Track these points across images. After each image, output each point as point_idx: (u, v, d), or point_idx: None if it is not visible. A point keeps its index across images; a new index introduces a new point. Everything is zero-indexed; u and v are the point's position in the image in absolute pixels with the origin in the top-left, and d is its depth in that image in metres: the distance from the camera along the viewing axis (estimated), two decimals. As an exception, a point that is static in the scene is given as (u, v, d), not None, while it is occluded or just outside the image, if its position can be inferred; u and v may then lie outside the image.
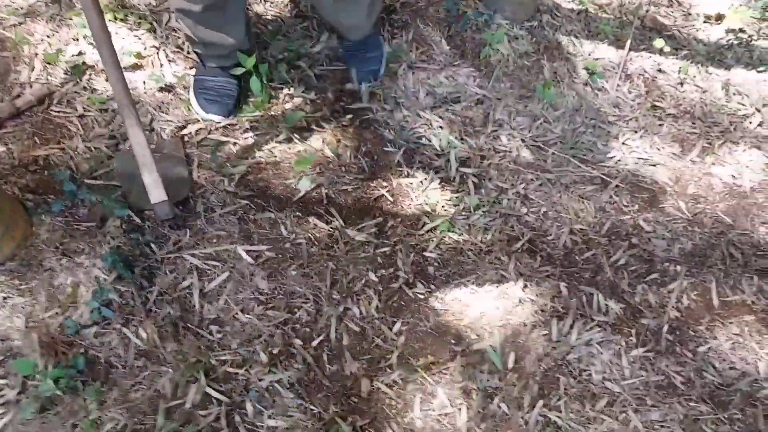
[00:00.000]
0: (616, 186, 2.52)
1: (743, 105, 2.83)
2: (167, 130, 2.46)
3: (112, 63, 2.01)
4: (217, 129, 2.50)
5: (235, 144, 2.47)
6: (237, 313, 2.14)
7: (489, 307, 2.22)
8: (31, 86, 2.48)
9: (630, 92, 2.82)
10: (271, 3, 2.88)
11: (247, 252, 2.24)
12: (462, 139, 2.58)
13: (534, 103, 2.72)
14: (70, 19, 2.67)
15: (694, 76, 2.90)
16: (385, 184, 2.46)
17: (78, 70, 2.53)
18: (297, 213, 2.35)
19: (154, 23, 2.72)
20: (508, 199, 2.46)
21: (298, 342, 2.11)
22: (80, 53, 2.59)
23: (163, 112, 2.51)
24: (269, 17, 2.83)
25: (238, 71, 2.49)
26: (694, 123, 2.74)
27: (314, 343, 2.12)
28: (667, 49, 2.91)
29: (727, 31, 3.09)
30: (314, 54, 2.74)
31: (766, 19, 3.12)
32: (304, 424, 1.96)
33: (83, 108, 2.46)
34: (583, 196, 2.49)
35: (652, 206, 2.50)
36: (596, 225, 2.43)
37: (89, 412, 1.92)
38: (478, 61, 2.83)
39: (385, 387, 2.05)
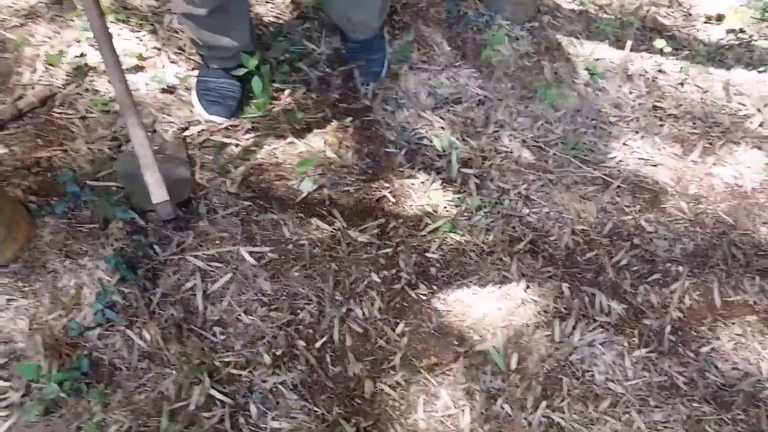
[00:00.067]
0: (618, 186, 2.53)
1: (744, 105, 2.83)
2: (169, 131, 2.46)
3: (113, 63, 2.01)
4: (219, 130, 2.50)
5: (237, 145, 2.47)
6: (240, 315, 2.14)
7: (491, 308, 2.23)
8: (33, 88, 2.48)
9: (631, 93, 2.82)
10: (273, 4, 2.89)
11: (250, 253, 2.25)
12: (463, 139, 2.58)
13: (535, 104, 2.72)
14: (72, 20, 2.67)
15: (695, 77, 2.90)
16: (386, 185, 2.46)
17: (80, 71, 2.54)
18: (299, 214, 2.35)
19: (156, 25, 2.72)
20: (510, 200, 2.46)
21: (301, 343, 2.11)
22: (82, 54, 2.59)
23: (165, 113, 2.51)
24: (271, 18, 2.83)
25: (240, 72, 2.49)
26: (694, 123, 2.75)
27: (317, 345, 2.12)
28: (668, 49, 2.92)
29: (728, 32, 3.10)
30: (316, 55, 2.74)
31: (767, 19, 3.13)
32: (308, 426, 1.97)
33: (85, 109, 2.46)
34: (585, 197, 2.50)
35: (653, 207, 2.50)
36: (598, 225, 2.44)
37: (93, 415, 1.92)
38: (479, 62, 2.83)
39: (389, 388, 2.06)
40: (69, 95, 2.49)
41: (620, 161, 2.61)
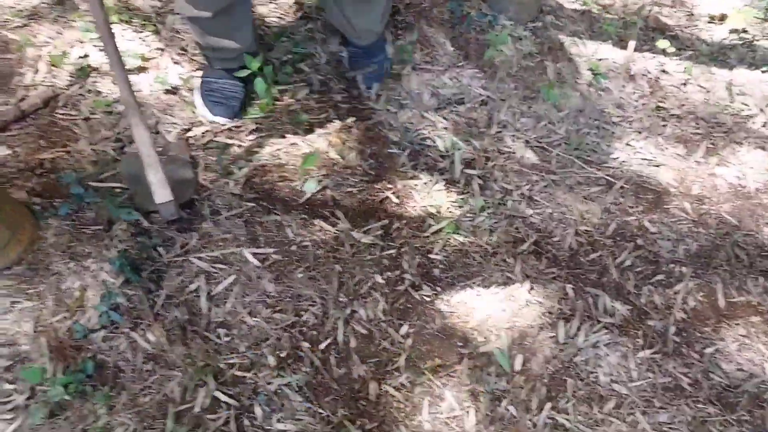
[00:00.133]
0: (621, 187, 2.53)
1: (746, 105, 2.83)
2: (172, 132, 2.46)
3: (117, 62, 2.01)
4: (222, 131, 2.50)
5: (240, 146, 2.47)
6: (244, 317, 2.14)
7: (495, 309, 2.23)
8: (36, 89, 2.48)
9: (634, 93, 2.82)
10: (276, 4, 2.88)
11: (254, 255, 2.24)
12: (466, 140, 2.58)
13: (538, 104, 2.72)
14: (74, 21, 2.67)
15: (698, 77, 2.90)
16: (390, 185, 2.46)
17: (83, 72, 2.53)
18: (303, 215, 2.35)
19: (159, 25, 2.72)
20: (513, 201, 2.46)
21: (305, 345, 2.11)
22: (85, 55, 2.59)
23: (168, 114, 2.51)
24: (273, 19, 2.83)
25: (244, 73, 2.49)
26: (697, 124, 2.75)
27: (322, 346, 2.12)
28: (671, 49, 2.92)
29: (731, 32, 3.10)
30: (319, 55, 2.74)
31: (769, 19, 3.13)
32: (313, 428, 1.96)
33: (89, 110, 2.45)
34: (588, 198, 2.50)
35: (656, 207, 2.50)
36: (601, 226, 2.44)
37: (98, 417, 1.92)
38: (482, 62, 2.83)
39: (393, 390, 2.06)
40: (72, 96, 2.48)
41: (623, 162, 2.61)
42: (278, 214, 2.33)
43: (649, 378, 2.13)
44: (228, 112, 2.51)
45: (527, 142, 2.61)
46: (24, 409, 1.91)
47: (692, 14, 3.17)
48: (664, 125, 2.73)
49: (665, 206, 2.50)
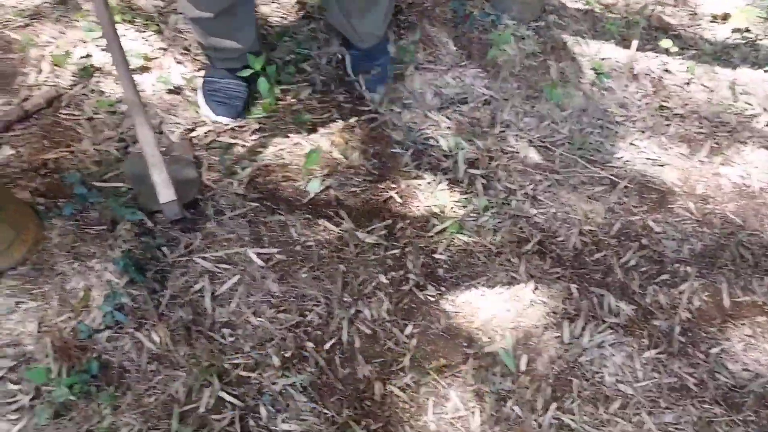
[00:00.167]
0: (625, 187, 2.52)
1: (750, 104, 2.83)
2: (176, 132, 2.45)
3: (122, 61, 2.01)
4: (225, 131, 2.49)
5: (243, 146, 2.46)
6: (249, 317, 2.13)
7: (500, 309, 2.22)
8: (39, 89, 2.48)
9: (637, 92, 2.82)
10: (279, 4, 2.88)
11: (258, 255, 2.24)
12: (470, 140, 2.58)
13: (541, 104, 2.72)
14: (77, 20, 2.67)
15: (701, 76, 2.90)
16: (393, 185, 2.46)
17: (86, 72, 2.53)
18: (307, 215, 2.34)
19: (162, 25, 2.71)
20: (517, 201, 2.45)
21: (310, 345, 2.10)
22: (87, 55, 2.59)
23: (171, 114, 2.50)
24: (276, 18, 2.83)
25: (247, 73, 2.48)
26: (701, 123, 2.74)
27: (326, 346, 2.11)
28: (674, 49, 2.92)
29: (733, 31, 3.09)
30: (322, 55, 2.74)
31: (772, 18, 3.13)
32: (318, 428, 1.96)
33: (92, 110, 2.45)
34: (592, 197, 2.49)
35: (661, 207, 2.50)
36: (606, 226, 2.43)
37: (103, 418, 1.91)
38: (485, 62, 2.82)
39: (398, 390, 2.05)
40: (75, 96, 2.48)
41: (627, 161, 2.61)
42: (282, 214, 2.33)
43: (655, 378, 2.13)
44: (231, 111, 2.51)
45: (530, 141, 2.61)
46: (29, 409, 1.91)
47: (695, 13, 3.17)
48: (667, 125, 2.73)
49: (669, 206, 2.50)
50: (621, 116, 2.73)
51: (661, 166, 2.61)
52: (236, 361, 2.06)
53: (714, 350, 2.19)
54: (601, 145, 2.63)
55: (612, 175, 2.55)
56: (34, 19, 2.66)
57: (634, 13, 3.08)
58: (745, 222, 2.48)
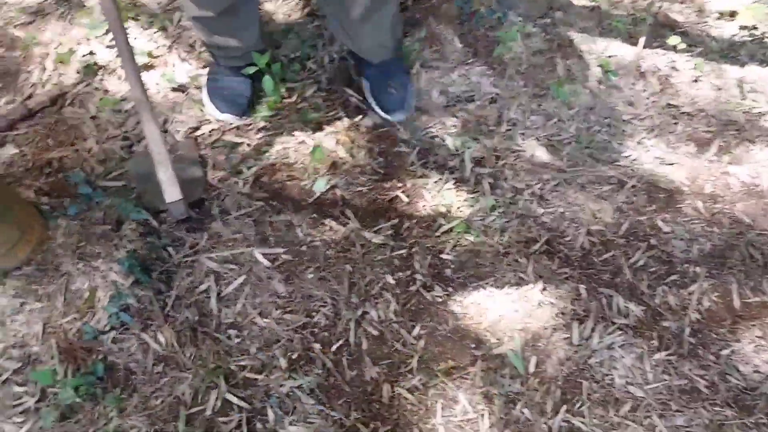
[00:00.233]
0: (633, 186, 2.50)
1: (757, 102, 2.81)
2: (181, 131, 2.44)
3: (129, 57, 1.99)
4: (230, 129, 2.48)
5: (248, 145, 2.45)
6: (255, 318, 2.12)
7: (508, 310, 2.21)
8: (43, 87, 2.46)
9: (644, 90, 2.80)
10: (283, 1, 2.85)
11: (264, 255, 2.23)
12: (476, 138, 2.55)
13: (548, 102, 2.70)
14: (81, 18, 2.64)
15: (709, 74, 2.88)
16: (399, 184, 2.44)
17: (90, 70, 2.51)
18: (313, 215, 2.33)
19: (166, 22, 2.69)
20: (524, 200, 2.43)
21: (317, 346, 2.09)
22: (91, 53, 2.57)
23: (176, 112, 2.48)
24: (281, 15, 2.80)
25: (251, 71, 2.46)
26: (709, 121, 2.72)
27: (333, 348, 2.10)
28: (681, 46, 2.89)
29: (741, 28, 3.07)
30: (327, 52, 2.71)
31: (780, 15, 3.11)
32: (326, 431, 1.95)
33: (96, 108, 2.43)
34: (600, 196, 2.47)
35: (669, 206, 2.48)
36: (614, 226, 2.41)
37: (109, 420, 1.90)
38: (492, 59, 2.80)
39: (406, 392, 2.04)
40: (79, 94, 2.46)
41: (634, 160, 2.59)
42: (288, 214, 2.31)
43: (665, 380, 2.11)
44: (236, 109, 2.49)
45: (538, 140, 2.59)
46: (34, 411, 1.90)
47: (702, 10, 3.14)
48: (675, 123, 2.70)
49: (678, 205, 2.48)
50: (628, 114, 2.70)
51: (669, 165, 2.58)
52: (243, 363, 2.04)
53: (725, 352, 2.18)
54: (608, 143, 2.61)
55: (620, 174, 2.53)
56: (37, 15, 2.64)
57: (641, 9, 3.05)
58: (754, 221, 2.46)
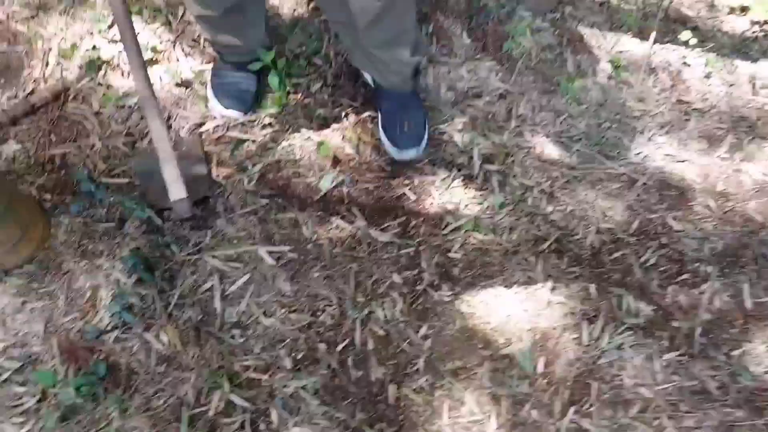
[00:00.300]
0: (644, 184, 2.47)
1: (770, 99, 2.77)
2: (185, 127, 2.41)
3: (135, 52, 1.96)
4: (235, 126, 2.45)
5: (254, 141, 2.42)
6: (259, 317, 2.10)
7: (517, 310, 2.18)
8: (45, 82, 2.43)
9: (655, 86, 2.76)
10: (289, -4, 2.83)
11: (269, 253, 2.20)
12: (485, 135, 2.52)
13: (557, 98, 2.66)
14: (84, 12, 2.61)
15: (720, 69, 2.84)
16: (407, 182, 2.41)
17: (93, 65, 2.48)
18: (319, 213, 2.30)
19: (170, 16, 2.66)
20: (534, 198, 2.40)
21: (322, 346, 2.07)
22: (94, 48, 2.54)
23: (180, 108, 2.45)
24: (286, 10, 2.77)
25: (257, 66, 2.43)
26: (721, 118, 2.68)
27: (339, 348, 2.08)
28: (693, 41, 2.85)
29: (752, 23, 3.03)
30: (333, 48, 2.68)
31: (793, 10, 3.06)
32: (331, 432, 1.93)
33: (99, 104, 2.40)
34: (610, 194, 2.44)
35: (680, 204, 2.44)
36: (624, 224, 2.38)
37: (111, 421, 1.89)
38: (500, 55, 2.76)
39: (413, 393, 2.01)
40: (82, 90, 2.44)
41: (645, 157, 2.55)
42: (293, 212, 2.28)
43: (675, 381, 2.08)
44: (241, 105, 2.45)
45: (547, 136, 2.55)
46: (35, 412, 1.88)
47: (713, 5, 3.10)
48: (686, 119, 2.66)
49: (689, 203, 2.44)
50: (639, 111, 2.66)
51: (681, 162, 2.55)
52: (246, 363, 2.02)
53: (735, 352, 2.14)
54: (618, 140, 2.57)
55: (630, 171, 2.50)
56: (40, 10, 2.61)
57: (652, 4, 3.01)
58: (766, 220, 2.42)
